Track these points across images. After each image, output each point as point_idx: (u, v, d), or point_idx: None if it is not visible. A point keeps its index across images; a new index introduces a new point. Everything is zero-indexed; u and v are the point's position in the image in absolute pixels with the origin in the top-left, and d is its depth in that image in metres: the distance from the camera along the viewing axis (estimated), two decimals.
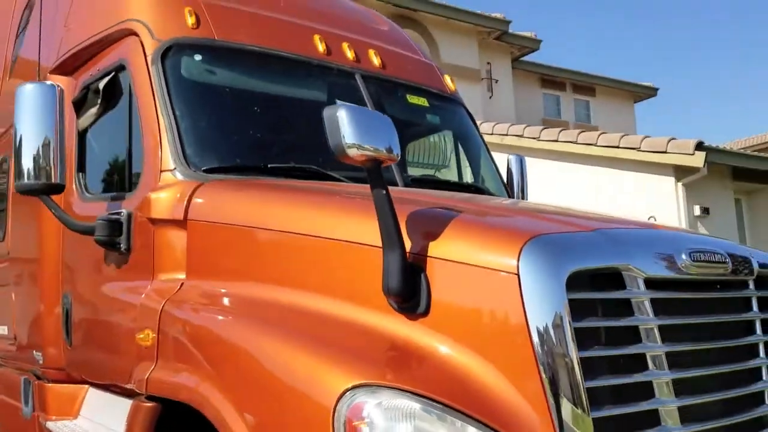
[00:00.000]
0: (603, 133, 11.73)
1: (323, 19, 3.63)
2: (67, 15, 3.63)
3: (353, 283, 2.07)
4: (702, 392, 1.99)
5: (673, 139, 10.49)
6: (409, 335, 1.88)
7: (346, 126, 1.82)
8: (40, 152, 2.67)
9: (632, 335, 1.89)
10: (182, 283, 2.52)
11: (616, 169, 11.24)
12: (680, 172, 10.61)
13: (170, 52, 2.93)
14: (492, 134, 11.83)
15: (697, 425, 1.94)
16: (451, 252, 1.89)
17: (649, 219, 9.77)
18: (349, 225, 2.15)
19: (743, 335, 2.20)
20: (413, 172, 3.75)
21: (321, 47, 3.42)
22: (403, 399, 1.71)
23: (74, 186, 3.27)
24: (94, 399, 3.35)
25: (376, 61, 3.60)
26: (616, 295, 1.89)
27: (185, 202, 2.56)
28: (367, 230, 2.01)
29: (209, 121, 2.94)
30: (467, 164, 3.93)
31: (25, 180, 2.68)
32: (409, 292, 1.88)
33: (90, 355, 3.17)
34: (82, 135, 3.32)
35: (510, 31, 18.59)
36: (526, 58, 19.96)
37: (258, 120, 3.06)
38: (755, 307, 2.25)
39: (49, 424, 3.39)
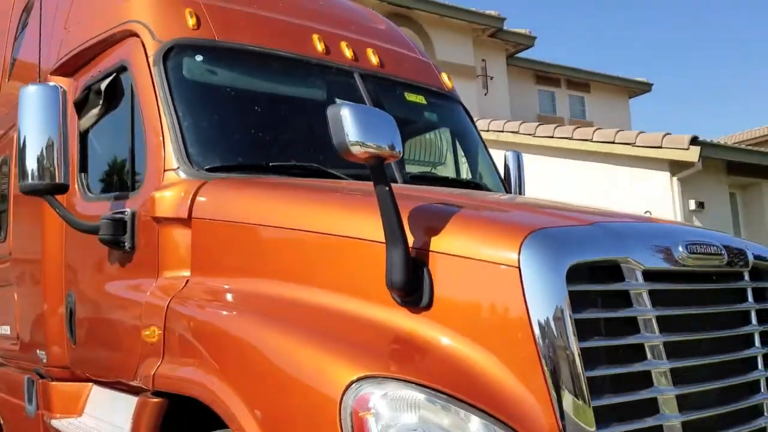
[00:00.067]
0: (598, 128, 11.79)
1: (322, 19, 3.66)
2: (67, 17, 3.65)
3: (357, 278, 2.11)
4: (699, 381, 2.04)
5: (668, 134, 10.56)
6: (412, 328, 1.93)
7: (349, 124, 1.86)
8: (44, 153, 2.70)
9: (631, 326, 1.93)
10: (187, 280, 2.56)
11: (612, 165, 11.30)
12: (675, 166, 10.68)
13: (172, 53, 2.96)
14: (488, 131, 11.88)
15: (695, 413, 1.98)
16: (453, 247, 1.93)
17: (645, 213, 9.84)
18: (352, 221, 2.19)
19: (739, 325, 2.25)
20: (412, 169, 3.78)
21: (320, 47, 3.45)
22: (407, 390, 1.75)
23: (76, 186, 3.30)
24: (99, 396, 3.38)
25: (374, 59, 3.63)
26: (615, 287, 1.93)
27: (189, 201, 2.59)
28: (369, 226, 2.05)
29: (211, 120, 2.97)
30: (465, 161, 3.98)
31: (30, 180, 2.71)
32: (412, 286, 1.92)
33: (94, 352, 3.20)
34: (83, 135, 3.35)
35: (505, 28, 18.63)
36: (520, 55, 20.00)
37: (259, 119, 3.10)
38: (750, 298, 2.30)
39: (54, 422, 3.42)
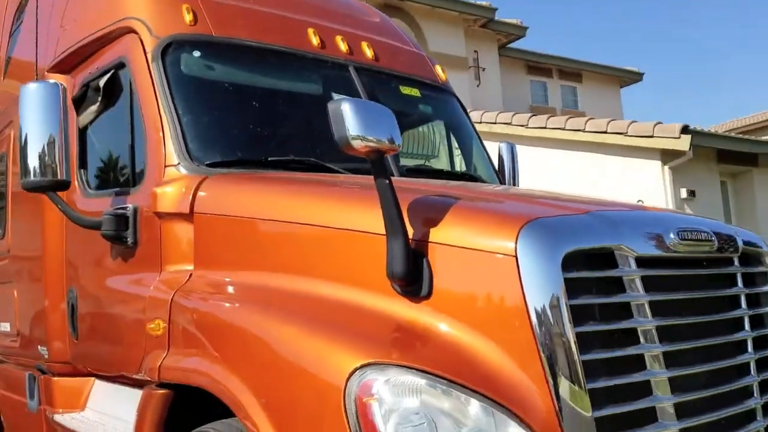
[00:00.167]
0: (590, 118, 11.86)
1: (316, 13, 3.69)
2: (63, 15, 3.67)
3: (358, 270, 2.15)
4: (691, 364, 2.09)
5: (659, 123, 10.64)
6: (413, 317, 1.98)
7: (350, 119, 1.90)
8: (46, 150, 2.73)
9: (624, 311, 1.99)
10: (191, 274, 2.60)
11: (604, 154, 11.38)
12: (667, 155, 10.76)
13: (170, 49, 2.98)
14: (480, 122, 11.92)
15: (687, 395, 2.04)
16: (451, 237, 1.98)
17: (637, 202, 9.93)
18: (352, 214, 2.24)
19: (729, 309, 2.31)
20: (407, 162, 3.82)
21: (315, 41, 3.48)
22: (409, 376, 1.80)
23: (76, 182, 3.32)
24: (101, 391, 3.42)
25: (368, 53, 3.66)
26: (608, 273, 1.99)
27: (191, 196, 2.63)
28: (369, 219, 2.10)
29: (210, 116, 3.00)
30: (460, 153, 4.02)
31: (32, 177, 2.74)
32: (413, 276, 1.97)
33: (97, 347, 3.24)
34: (82, 132, 3.37)
35: (496, 18, 18.64)
36: (512, 46, 20.03)
37: (257, 114, 3.13)
38: (740, 283, 2.36)
39: (57, 417, 3.45)
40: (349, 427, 1.77)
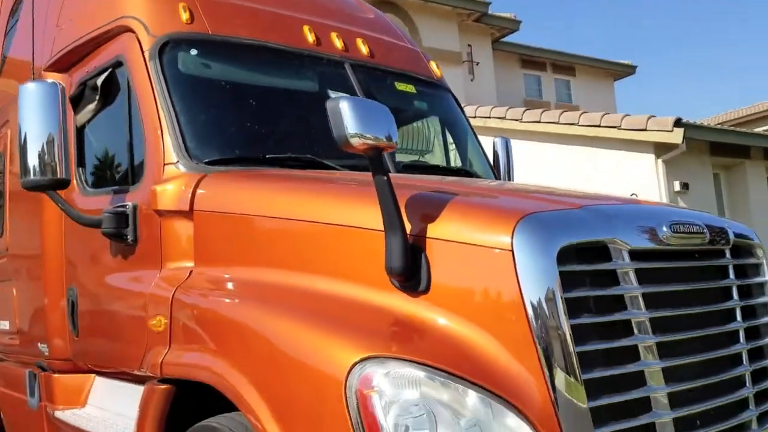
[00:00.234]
0: (584, 112, 11.90)
1: (311, 10, 3.70)
2: (59, 14, 3.68)
3: (357, 265, 2.19)
4: (684, 354, 2.14)
5: (652, 116, 10.68)
6: (411, 311, 2.02)
7: (348, 117, 1.93)
8: (45, 149, 2.75)
9: (618, 303, 2.03)
10: (191, 271, 2.63)
11: (598, 148, 11.42)
12: (660, 148, 10.81)
13: (167, 48, 3.00)
14: (475, 117, 11.94)
15: (680, 385, 2.08)
16: (448, 233, 2.02)
17: (631, 196, 9.99)
18: (350, 211, 2.27)
19: (721, 301, 2.35)
20: (403, 158, 3.85)
21: (310, 38, 3.50)
22: (409, 368, 1.84)
23: (75, 181, 3.34)
24: (101, 387, 3.45)
25: (364, 49, 3.69)
26: (602, 266, 2.03)
27: (190, 194, 2.66)
28: (367, 215, 2.13)
29: (208, 114, 3.02)
30: (455, 148, 4.05)
31: (32, 176, 2.77)
32: (411, 271, 2.00)
33: (98, 344, 3.26)
34: (80, 131, 3.38)
35: (489, 12, 18.64)
36: (506, 40, 20.04)
37: (254, 111, 3.15)
38: (731, 275, 2.40)
39: (58, 414, 3.48)
40: (350, 419, 1.81)
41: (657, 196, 10.67)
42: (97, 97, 3.21)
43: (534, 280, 1.89)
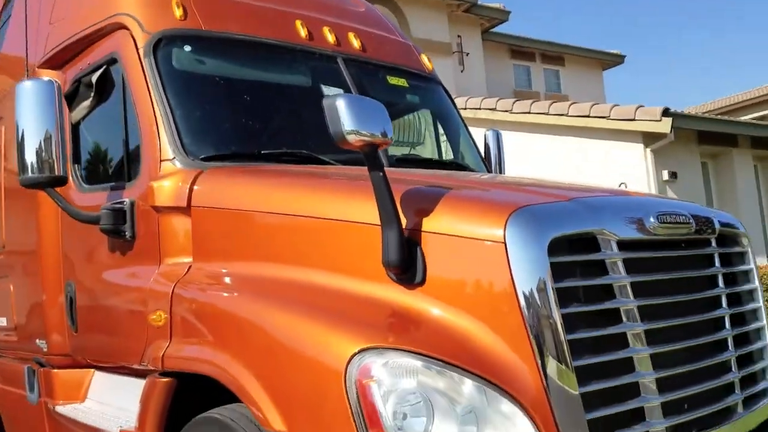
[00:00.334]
0: (574, 103, 11.96)
1: (303, 4, 3.72)
2: (52, 11, 3.69)
3: (354, 259, 2.24)
4: (671, 341, 2.20)
5: (641, 106, 10.76)
6: (408, 303, 2.07)
7: (344, 114, 1.98)
8: (43, 146, 2.77)
9: (607, 292, 2.09)
10: (190, 266, 2.67)
11: (588, 138, 11.50)
12: (648, 138, 10.89)
13: (161, 45, 3.02)
14: (465, 108, 11.98)
15: (668, 370, 2.15)
16: (443, 226, 2.07)
17: (620, 186, 10.08)
18: (347, 206, 2.32)
19: (707, 289, 2.42)
20: (396, 151, 3.89)
21: (303, 32, 3.52)
22: (406, 358, 1.90)
23: (71, 177, 3.36)
24: (101, 382, 3.49)
25: (356, 43, 3.71)
26: (592, 257, 2.09)
27: (187, 190, 2.69)
28: (363, 210, 2.18)
29: (203, 110, 3.05)
30: (447, 142, 4.10)
31: (30, 174, 2.79)
32: (407, 264, 2.06)
33: (98, 339, 3.29)
34: (74, 127, 3.40)
35: (479, 2, 18.64)
36: (495, 30, 20.05)
37: (248, 107, 3.18)
38: (717, 263, 2.47)
39: (58, 408, 3.51)
40: (351, 408, 1.87)
41: (646, 185, 10.77)
42: (92, 94, 3.23)
43: (526, 271, 1.94)
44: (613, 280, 2.10)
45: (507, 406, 1.88)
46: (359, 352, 1.90)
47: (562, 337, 1.93)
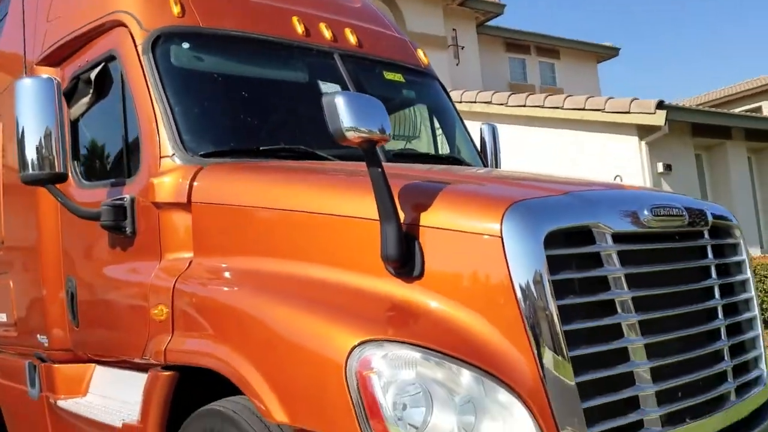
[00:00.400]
0: (569, 96, 12.00)
1: (300, 1, 3.74)
2: (49, 9, 3.70)
3: (353, 253, 2.27)
4: (665, 331, 2.24)
5: (635, 99, 10.80)
6: (407, 296, 2.11)
7: (343, 111, 2.01)
8: (43, 143, 2.80)
9: (603, 284, 2.13)
10: (191, 261, 2.70)
11: (583, 131, 11.54)
12: (643, 131, 10.95)
13: (159, 42, 3.03)
14: (461, 102, 12.01)
15: (662, 360, 2.19)
16: (440, 221, 2.11)
17: (615, 179, 10.15)
18: (346, 201, 2.35)
19: (700, 280, 2.45)
20: (392, 146, 3.91)
21: (300, 29, 3.54)
22: (405, 350, 1.93)
23: (70, 174, 3.38)
24: (102, 376, 3.52)
25: (352, 39, 3.73)
26: (587, 249, 2.13)
27: (187, 186, 2.72)
28: (362, 205, 2.21)
29: (202, 106, 3.07)
30: (443, 136, 4.13)
31: (30, 171, 2.81)
32: (405, 258, 2.09)
33: (99, 333, 3.32)
34: (73, 124, 3.42)
35: None
36: (490, 23, 20.07)
37: (246, 103, 3.20)
38: (710, 254, 2.51)
39: (60, 403, 3.54)
40: (351, 399, 1.91)
41: (641, 178, 10.82)
42: (91, 91, 3.25)
43: (522, 264, 1.98)
44: (608, 272, 2.13)
45: (504, 396, 1.91)
46: (359, 344, 1.94)
47: (558, 328, 1.97)
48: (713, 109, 15.08)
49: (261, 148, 3.01)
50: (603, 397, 2.03)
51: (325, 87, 3.48)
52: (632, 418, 2.09)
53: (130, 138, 3.08)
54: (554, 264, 2.02)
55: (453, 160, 3.92)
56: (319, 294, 2.23)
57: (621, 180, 10.17)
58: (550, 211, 2.12)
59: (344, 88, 3.46)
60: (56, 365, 3.63)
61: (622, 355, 2.12)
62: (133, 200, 2.93)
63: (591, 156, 11.31)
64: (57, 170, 2.83)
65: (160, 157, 2.85)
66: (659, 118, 10.48)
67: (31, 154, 2.80)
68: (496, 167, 4.45)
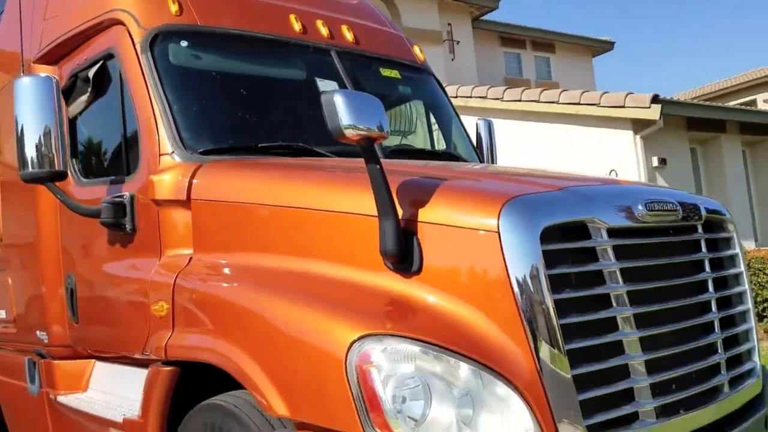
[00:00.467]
0: (564, 90, 12.01)
1: None
2: (46, 8, 3.71)
3: (352, 249, 2.30)
4: (660, 324, 2.28)
5: (630, 93, 10.83)
6: (405, 291, 2.14)
7: (342, 109, 2.04)
8: (42, 141, 2.81)
9: (598, 278, 2.16)
10: (191, 258, 2.72)
11: (578, 125, 11.57)
12: (638, 125, 10.97)
13: (157, 40, 3.05)
14: (456, 97, 12.01)
15: (656, 353, 2.23)
16: (438, 216, 2.14)
17: (610, 173, 10.18)
18: (345, 198, 2.38)
19: (694, 273, 2.49)
20: (388, 142, 3.93)
21: (297, 26, 3.55)
22: (404, 344, 1.97)
23: (69, 172, 3.39)
24: (102, 372, 3.54)
25: (349, 36, 3.75)
26: (582, 244, 2.16)
27: (187, 184, 2.74)
28: (360, 201, 2.24)
29: (200, 104, 3.09)
30: (440, 132, 4.15)
31: (30, 169, 2.83)
32: (404, 253, 2.12)
33: (99, 330, 3.34)
34: (71, 122, 3.43)
35: None
36: (485, 18, 20.05)
37: (244, 101, 3.22)
38: (704, 248, 2.54)
39: (60, 399, 3.56)
40: (352, 393, 1.94)
41: (636, 172, 10.86)
42: (89, 89, 3.27)
43: (519, 258, 2.01)
44: (604, 267, 2.17)
45: (502, 389, 1.95)
46: (359, 338, 1.97)
47: (555, 322, 2.00)
48: (708, 103, 15.13)
49: (259, 145, 3.03)
50: (599, 389, 2.07)
51: (323, 84, 3.50)
52: (627, 410, 2.13)
53: (128, 136, 3.10)
54: (550, 259, 2.05)
55: (449, 156, 3.94)
56: (319, 289, 2.26)
57: (616, 174, 10.21)
58: (547, 206, 2.15)
59: (341, 85, 3.48)
60: (56, 361, 3.65)
61: (618, 348, 2.15)
62: (132, 197, 2.95)
63: (586, 150, 11.35)
64: (57, 168, 2.84)
65: (160, 155, 2.87)
66: (654, 113, 10.51)
67: (30, 152, 2.81)
68: (492, 163, 4.48)
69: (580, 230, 2.17)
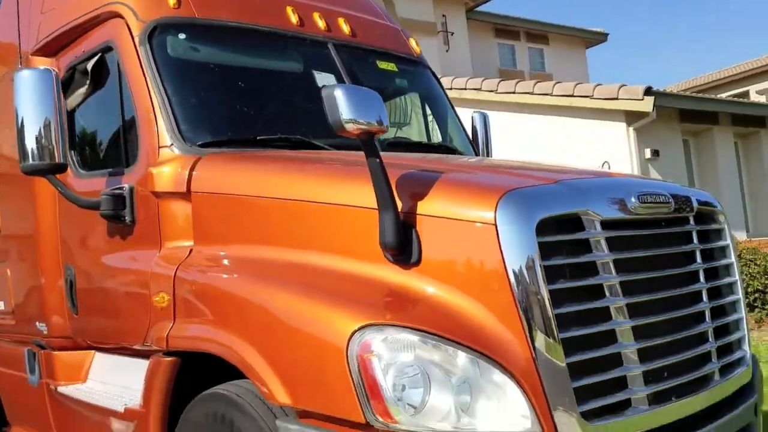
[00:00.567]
0: (558, 82, 12.05)
1: None
2: (43, 1, 3.71)
3: (351, 241, 2.34)
4: (652, 314, 2.33)
5: (623, 85, 10.88)
6: (404, 282, 2.18)
7: (342, 104, 2.07)
8: (42, 133, 2.83)
9: (592, 269, 2.21)
10: (191, 249, 2.75)
11: (572, 117, 11.62)
12: (631, 117, 11.03)
13: (156, 33, 3.07)
14: (450, 89, 12.02)
15: (648, 341, 2.28)
16: (436, 209, 2.18)
17: (603, 165, 10.23)
18: (344, 190, 2.42)
19: (686, 264, 2.54)
20: (386, 134, 3.96)
21: (294, 19, 3.57)
22: (404, 333, 2.01)
23: (68, 164, 3.41)
24: (102, 362, 3.58)
25: (345, 29, 3.76)
26: (577, 236, 2.21)
27: (186, 176, 2.77)
28: (361, 194, 2.28)
29: (199, 97, 3.10)
30: (436, 125, 4.18)
31: (30, 161, 2.85)
32: (403, 245, 2.16)
33: (99, 321, 3.37)
34: (70, 114, 3.44)
35: None
36: (479, 9, 20.03)
37: (242, 93, 3.24)
38: (695, 240, 2.59)
39: (61, 389, 3.59)
40: (353, 381, 1.98)
41: (629, 164, 10.92)
42: (87, 82, 3.28)
43: (515, 250, 2.06)
44: (597, 258, 2.21)
45: (498, 377, 2.00)
46: (360, 328, 2.02)
47: (550, 312, 2.05)
48: (700, 95, 15.19)
49: (258, 138, 3.06)
50: (592, 377, 2.12)
51: (320, 76, 3.52)
52: (620, 397, 2.18)
53: (127, 128, 3.12)
54: (546, 250, 2.10)
55: (446, 148, 3.98)
56: (320, 280, 2.30)
57: (609, 166, 10.27)
58: (542, 199, 2.19)
59: (338, 77, 3.50)
60: (56, 352, 3.68)
61: (611, 337, 2.20)
62: (132, 189, 2.97)
63: (580, 142, 11.40)
64: (57, 160, 2.87)
65: (159, 147, 2.89)
66: (647, 105, 10.56)
67: (30, 145, 2.83)
68: (488, 155, 4.52)
69: (575, 222, 2.21)
